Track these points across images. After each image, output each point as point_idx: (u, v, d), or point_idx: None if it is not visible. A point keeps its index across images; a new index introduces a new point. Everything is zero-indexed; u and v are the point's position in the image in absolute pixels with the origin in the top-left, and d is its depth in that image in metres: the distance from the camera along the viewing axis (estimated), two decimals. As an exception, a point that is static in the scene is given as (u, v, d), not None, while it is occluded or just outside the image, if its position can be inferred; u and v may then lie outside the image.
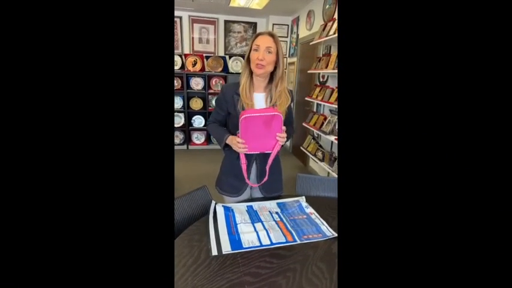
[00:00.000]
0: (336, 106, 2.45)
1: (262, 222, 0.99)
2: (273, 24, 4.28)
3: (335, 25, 2.52)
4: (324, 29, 2.76)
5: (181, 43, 4.36)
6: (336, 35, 2.39)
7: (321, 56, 3.03)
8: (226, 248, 0.83)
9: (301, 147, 3.30)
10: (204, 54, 4.26)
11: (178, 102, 4.23)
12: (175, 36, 4.26)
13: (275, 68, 1.09)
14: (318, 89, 2.97)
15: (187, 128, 4.38)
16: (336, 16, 2.79)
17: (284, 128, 1.05)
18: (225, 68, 4.28)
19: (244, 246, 0.84)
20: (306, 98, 3.12)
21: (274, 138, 1.04)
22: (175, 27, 4.21)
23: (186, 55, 4.20)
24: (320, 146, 3.00)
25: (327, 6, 3.04)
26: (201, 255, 0.79)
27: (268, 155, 1.11)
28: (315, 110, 3.32)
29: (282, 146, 1.09)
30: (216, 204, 1.08)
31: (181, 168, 3.45)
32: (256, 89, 1.13)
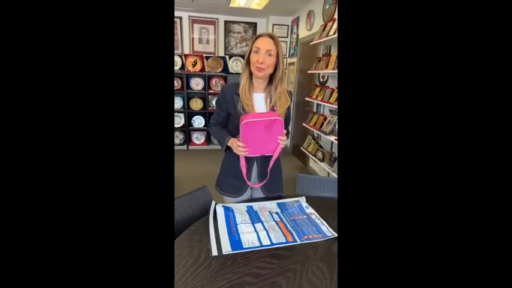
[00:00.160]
0: (336, 106, 2.45)
1: (262, 222, 0.99)
2: (273, 24, 4.28)
3: (335, 25, 2.52)
4: (324, 29, 2.76)
5: (181, 43, 4.36)
6: (336, 35, 2.39)
7: (321, 56, 3.03)
8: (227, 248, 0.83)
9: (301, 148, 3.30)
10: (204, 55, 4.26)
11: (178, 103, 4.23)
12: (175, 37, 4.26)
13: (275, 70, 1.09)
14: (318, 89, 2.97)
15: (187, 128, 4.38)
16: (335, 16, 2.79)
17: (285, 131, 1.05)
18: (225, 68, 4.28)
19: (244, 247, 0.84)
20: (306, 98, 3.12)
21: (275, 141, 1.04)
22: (175, 27, 4.21)
23: (186, 55, 4.20)
24: (320, 146, 3.00)
25: (327, 6, 3.05)
26: (201, 256, 0.79)
27: (269, 157, 1.11)
28: (315, 110, 3.32)
29: (282, 147, 1.09)
30: (216, 204, 1.08)
31: (181, 169, 3.45)
32: (256, 89, 1.13)
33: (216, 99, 1.47)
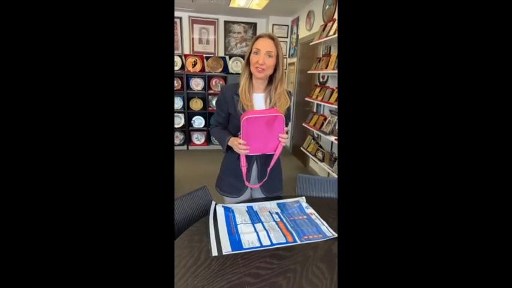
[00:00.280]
0: (336, 106, 2.45)
1: (262, 222, 0.99)
2: (273, 24, 4.28)
3: (335, 25, 2.52)
4: (323, 30, 2.76)
5: (181, 44, 4.36)
6: (336, 35, 2.39)
7: (321, 56, 3.03)
8: (227, 249, 0.83)
9: (301, 148, 3.30)
10: (204, 55, 4.26)
11: (178, 103, 4.23)
12: (175, 37, 4.26)
13: (275, 70, 1.09)
14: (318, 89, 2.97)
15: (187, 129, 4.38)
16: (335, 16, 2.79)
17: (286, 128, 1.05)
18: (225, 69, 4.28)
19: (244, 247, 0.84)
20: (306, 99, 3.12)
21: (276, 139, 1.04)
22: (175, 27, 4.21)
23: (186, 56, 4.21)
24: (320, 146, 3.00)
25: (327, 6, 3.05)
26: (201, 256, 0.79)
27: (269, 156, 1.11)
28: (315, 110, 3.32)
29: (284, 145, 1.09)
30: (216, 204, 1.08)
31: (181, 169, 3.45)
32: (255, 90, 1.13)
33: (215, 99, 1.47)
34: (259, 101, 1.13)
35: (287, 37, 4.36)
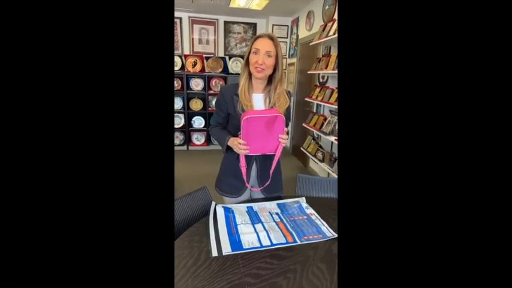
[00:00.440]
0: (336, 106, 2.45)
1: (262, 223, 0.99)
2: (273, 24, 4.28)
3: (335, 26, 2.52)
4: (323, 30, 2.76)
5: (181, 44, 4.36)
6: (336, 35, 2.39)
7: (321, 56, 3.03)
8: (227, 249, 0.82)
9: (301, 148, 3.30)
10: (204, 55, 4.27)
11: (178, 103, 4.24)
12: (175, 37, 4.27)
13: (274, 70, 1.09)
14: (317, 90, 2.97)
15: (187, 129, 4.38)
16: (335, 17, 2.79)
17: (286, 129, 1.05)
18: (225, 69, 4.28)
19: (244, 247, 0.84)
20: (306, 99, 3.12)
21: (276, 139, 1.04)
22: (175, 28, 4.21)
23: (186, 56, 4.21)
24: (320, 146, 3.00)
25: (327, 6, 3.05)
26: (201, 256, 0.79)
27: (268, 156, 1.11)
28: (314, 110, 3.32)
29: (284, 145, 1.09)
30: (216, 205, 1.08)
31: (181, 169, 3.45)
32: (255, 90, 1.13)
33: (215, 100, 1.47)
34: (258, 101, 1.13)
35: (287, 37, 4.36)
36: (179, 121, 4.32)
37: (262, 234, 0.91)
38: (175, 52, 4.26)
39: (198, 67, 4.19)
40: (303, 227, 0.98)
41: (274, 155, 1.10)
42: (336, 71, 2.39)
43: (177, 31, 4.28)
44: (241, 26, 4.48)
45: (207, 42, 4.45)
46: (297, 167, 3.73)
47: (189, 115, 4.36)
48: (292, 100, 1.19)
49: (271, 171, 1.14)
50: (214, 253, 0.81)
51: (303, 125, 3.15)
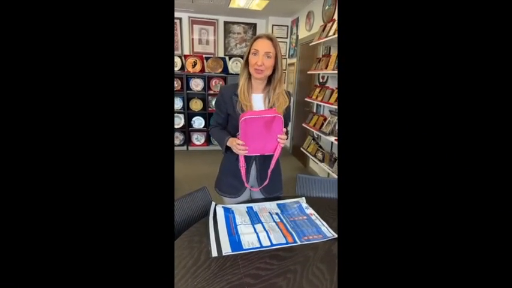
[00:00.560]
0: (336, 107, 2.45)
1: (262, 223, 0.99)
2: (273, 25, 4.29)
3: (334, 26, 2.52)
4: (323, 30, 2.76)
5: (181, 44, 4.36)
6: (336, 35, 2.39)
7: (321, 56, 3.03)
8: (226, 250, 0.82)
9: (301, 148, 3.30)
10: (204, 55, 4.27)
11: (178, 103, 4.24)
12: (175, 38, 4.27)
13: (274, 71, 1.09)
14: (317, 90, 2.97)
15: (187, 129, 4.38)
16: (335, 17, 2.79)
17: (285, 129, 1.05)
18: (225, 69, 4.28)
19: (244, 248, 0.84)
20: (306, 99, 3.12)
21: (275, 140, 1.04)
22: (175, 28, 4.21)
23: (185, 56, 4.21)
24: (320, 146, 3.00)
25: (327, 7, 3.05)
26: (201, 257, 0.79)
27: (268, 156, 1.11)
28: (314, 110, 3.32)
29: (283, 146, 1.09)
30: (216, 205, 1.08)
31: (181, 169, 3.45)
32: (254, 90, 1.13)
33: (215, 100, 1.47)
34: (258, 101, 1.13)
35: (287, 37, 4.37)
36: (179, 121, 4.32)
37: (262, 235, 0.91)
38: (175, 52, 4.26)
39: (198, 67, 4.19)
40: (303, 227, 0.98)
41: (273, 155, 1.10)
42: (336, 71, 2.39)
43: (177, 31, 4.28)
44: (241, 26, 4.49)
45: (207, 42, 4.45)
46: (297, 167, 3.73)
47: (189, 115, 4.36)
48: (292, 100, 1.19)
49: (269, 171, 1.14)
50: (214, 253, 0.80)
51: (303, 125, 3.15)
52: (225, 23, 4.41)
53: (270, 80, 1.12)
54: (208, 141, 4.49)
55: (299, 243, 0.88)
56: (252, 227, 0.96)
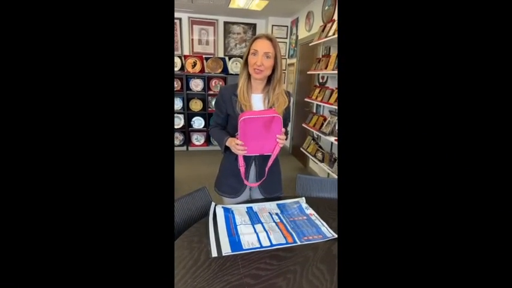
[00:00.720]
0: (336, 107, 2.45)
1: (262, 223, 0.99)
2: (272, 25, 4.29)
3: (334, 26, 2.52)
4: (323, 30, 2.76)
5: (181, 44, 4.36)
6: (335, 36, 2.40)
7: (321, 57, 3.03)
8: (226, 250, 0.82)
9: (301, 148, 3.30)
10: (204, 56, 4.27)
11: (178, 104, 4.24)
12: (175, 38, 4.27)
13: (273, 71, 1.09)
14: (317, 90, 2.97)
15: (187, 129, 4.38)
16: (335, 17, 2.79)
17: (284, 129, 1.05)
18: (225, 69, 4.29)
19: (244, 248, 0.84)
20: (306, 99, 3.12)
21: (273, 140, 1.04)
22: (175, 28, 4.21)
23: (185, 56, 4.21)
24: (320, 147, 3.00)
25: (326, 7, 3.05)
26: (200, 257, 0.79)
27: (267, 156, 1.11)
28: (314, 110, 3.32)
29: (281, 146, 1.09)
30: (215, 205, 1.08)
31: (181, 170, 3.44)
32: (254, 90, 1.13)
33: (214, 100, 1.47)
34: (257, 101, 1.13)
35: (286, 38, 4.37)
36: (179, 122, 4.32)
37: (262, 235, 0.91)
38: (175, 53, 4.26)
39: (198, 68, 4.19)
40: (302, 227, 0.98)
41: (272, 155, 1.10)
42: (336, 72, 2.39)
43: (177, 32, 4.28)
44: (240, 26, 4.49)
45: (207, 42, 4.45)
46: (296, 168, 3.73)
47: (189, 116, 4.36)
48: (291, 100, 1.19)
49: (266, 168, 1.14)
50: (214, 254, 0.80)
51: (303, 125, 3.15)
52: (225, 23, 4.41)
53: (269, 80, 1.12)
54: (208, 142, 4.49)
55: (299, 243, 0.88)
56: (251, 227, 0.96)
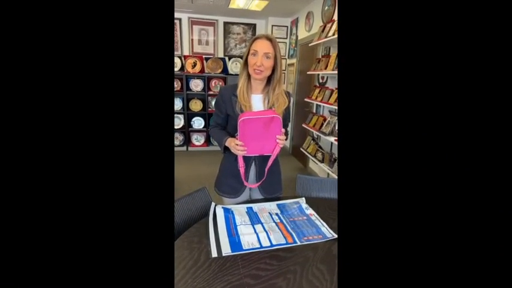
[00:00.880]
0: (336, 107, 2.45)
1: (262, 223, 0.99)
2: (272, 25, 4.29)
3: (334, 26, 2.53)
4: (323, 30, 2.76)
5: (181, 45, 4.36)
6: (335, 36, 2.40)
7: (320, 57, 3.04)
8: (226, 250, 0.82)
9: (300, 149, 3.30)
10: (204, 56, 4.27)
11: (178, 104, 4.23)
12: (174, 38, 4.27)
13: (273, 71, 1.09)
14: (317, 90, 2.97)
15: (187, 130, 4.38)
16: (334, 17, 2.79)
17: (283, 130, 1.05)
18: (225, 70, 4.29)
19: (244, 248, 0.84)
20: (306, 99, 3.12)
21: (273, 140, 1.04)
22: (175, 29, 4.21)
23: (185, 57, 4.21)
24: (320, 147, 3.00)
25: (326, 7, 3.05)
26: (200, 257, 0.79)
27: (267, 157, 1.11)
28: (314, 111, 3.32)
29: (281, 147, 1.09)
30: (215, 205, 1.08)
31: (181, 170, 3.44)
32: (254, 90, 1.13)
33: (214, 100, 1.47)
34: (257, 102, 1.13)
35: (286, 38, 4.37)
36: (179, 122, 4.32)
37: (262, 235, 0.91)
38: (175, 53, 4.26)
39: (198, 68, 4.19)
40: (302, 227, 0.98)
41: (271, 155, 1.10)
42: (336, 72, 2.39)
43: (177, 32, 4.28)
44: (240, 26, 4.49)
45: (207, 43, 4.45)
46: (296, 168, 3.73)
47: (189, 116, 4.36)
48: (291, 101, 1.19)
49: (266, 169, 1.14)
50: (214, 254, 0.80)
51: (303, 125, 3.15)
52: (225, 23, 4.41)
53: (269, 80, 1.12)
54: (208, 142, 4.49)
55: (299, 243, 0.88)
56: (251, 227, 0.96)
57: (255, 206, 1.12)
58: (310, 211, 1.10)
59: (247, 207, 1.11)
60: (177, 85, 4.16)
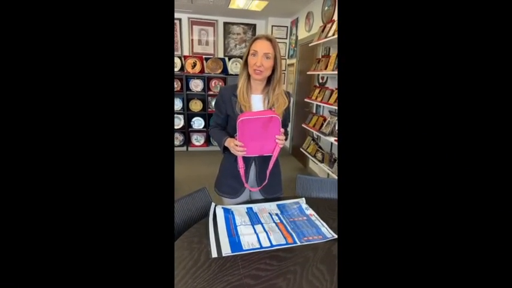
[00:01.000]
0: (336, 107, 2.45)
1: (262, 224, 0.99)
2: (272, 25, 4.29)
3: (334, 26, 2.53)
4: (323, 31, 2.76)
5: (181, 45, 4.36)
6: (335, 36, 2.40)
7: (320, 57, 3.04)
8: (226, 250, 0.82)
9: (300, 149, 3.30)
10: (204, 56, 4.27)
11: (177, 104, 4.23)
12: (174, 38, 4.27)
13: (273, 71, 1.09)
14: (317, 90, 2.97)
15: (187, 130, 4.38)
16: (334, 17, 2.79)
17: (283, 130, 1.05)
18: (225, 70, 4.29)
19: (244, 248, 0.84)
20: (306, 99, 3.12)
21: (273, 140, 1.04)
22: (174, 29, 4.22)
23: (185, 57, 4.21)
24: (320, 147, 3.00)
25: (326, 7, 3.05)
26: (200, 258, 0.79)
27: (267, 157, 1.11)
28: (314, 111, 3.32)
29: (281, 147, 1.09)
30: (215, 206, 1.07)
31: (181, 170, 3.44)
32: (253, 91, 1.13)
33: (214, 101, 1.47)
34: (257, 102, 1.13)
35: (286, 38, 4.37)
36: (179, 122, 4.32)
37: (262, 235, 0.91)
38: (175, 53, 4.26)
39: (198, 68, 4.19)
40: (302, 228, 0.98)
41: (272, 156, 1.10)
42: (336, 72, 2.39)
43: (177, 32, 4.28)
44: (240, 27, 4.49)
45: (207, 43, 4.45)
46: (296, 168, 3.73)
47: (189, 116, 4.36)
48: (291, 101, 1.19)
49: (268, 171, 1.14)
50: (214, 254, 0.80)
51: (303, 125, 3.15)
52: (225, 23, 4.41)
53: (269, 80, 1.12)
54: (208, 142, 4.49)
55: (299, 243, 0.88)
56: (251, 227, 0.96)
57: (255, 207, 1.12)
58: (310, 211, 1.10)
59: (247, 208, 1.11)
60: (177, 85, 4.16)
